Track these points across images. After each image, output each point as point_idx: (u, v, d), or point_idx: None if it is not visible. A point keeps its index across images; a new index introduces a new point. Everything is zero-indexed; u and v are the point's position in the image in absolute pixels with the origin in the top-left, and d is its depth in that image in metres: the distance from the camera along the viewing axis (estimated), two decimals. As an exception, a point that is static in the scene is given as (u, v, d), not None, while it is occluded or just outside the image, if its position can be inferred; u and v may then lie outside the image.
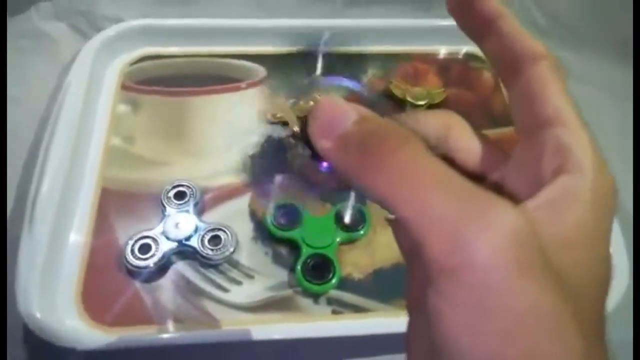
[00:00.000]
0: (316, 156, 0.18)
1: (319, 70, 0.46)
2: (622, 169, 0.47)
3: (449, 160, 0.19)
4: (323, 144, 0.17)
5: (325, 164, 0.18)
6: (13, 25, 0.54)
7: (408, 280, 0.19)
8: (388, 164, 0.16)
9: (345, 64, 0.56)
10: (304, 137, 0.18)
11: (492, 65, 0.20)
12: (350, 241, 0.43)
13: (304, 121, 0.18)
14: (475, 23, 0.20)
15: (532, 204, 0.16)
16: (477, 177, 0.20)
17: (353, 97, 0.19)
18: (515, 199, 0.17)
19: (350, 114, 0.17)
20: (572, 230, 0.16)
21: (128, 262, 0.40)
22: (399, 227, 0.21)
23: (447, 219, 0.14)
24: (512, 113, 0.19)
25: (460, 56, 0.58)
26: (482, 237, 0.14)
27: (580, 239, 0.16)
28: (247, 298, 0.40)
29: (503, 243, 0.14)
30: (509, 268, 0.14)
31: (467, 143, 0.20)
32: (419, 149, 0.16)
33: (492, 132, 0.52)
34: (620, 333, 0.33)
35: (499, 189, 0.19)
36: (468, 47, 0.58)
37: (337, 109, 0.17)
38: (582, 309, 0.15)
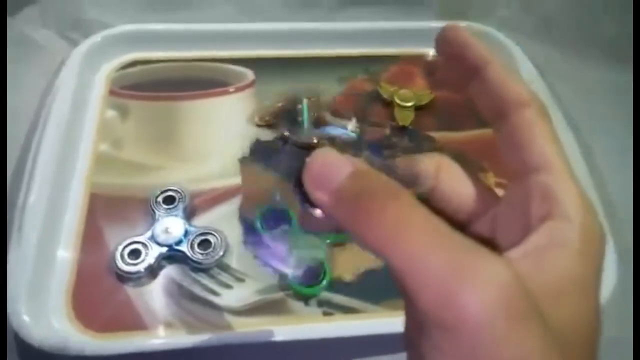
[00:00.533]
0: (309, 203, 0.18)
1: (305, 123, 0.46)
2: (622, 169, 0.47)
3: (438, 205, 0.20)
4: (318, 196, 0.18)
5: (318, 211, 0.18)
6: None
7: (406, 317, 0.19)
8: (379, 220, 0.16)
9: (332, 66, 0.56)
10: (297, 184, 0.18)
11: (479, 109, 0.20)
12: (340, 243, 0.43)
13: (299, 170, 0.18)
14: (463, 67, 0.20)
15: (520, 251, 0.17)
16: (464, 223, 0.20)
17: (343, 143, 0.20)
18: (500, 248, 0.18)
19: (344, 167, 0.18)
20: (560, 279, 0.16)
21: (118, 267, 0.40)
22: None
23: (437, 274, 0.15)
24: (501, 155, 0.20)
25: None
26: (472, 292, 0.14)
27: (568, 287, 0.16)
28: (238, 301, 0.40)
29: (492, 297, 0.14)
30: (498, 322, 0.14)
31: (457, 184, 0.21)
32: (409, 203, 0.16)
33: (478, 133, 0.52)
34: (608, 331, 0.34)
35: (484, 237, 0.19)
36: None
37: (331, 161, 0.18)
38: (570, 356, 0.15)
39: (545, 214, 0.17)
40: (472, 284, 0.14)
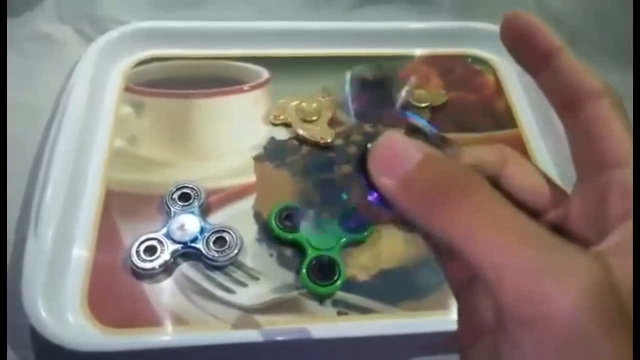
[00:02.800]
0: (368, 187, 0.17)
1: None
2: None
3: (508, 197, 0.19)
4: (384, 181, 0.17)
5: (374, 196, 0.17)
6: (17, 28, 0.54)
7: (460, 316, 0.19)
8: (460, 211, 0.15)
9: (346, 66, 0.56)
10: (359, 167, 0.18)
11: (549, 99, 0.19)
12: (355, 243, 0.43)
13: (362, 153, 0.17)
14: (531, 56, 0.19)
15: (604, 248, 0.16)
16: (534, 215, 0.19)
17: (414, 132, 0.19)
18: (582, 241, 0.17)
19: (413, 153, 0.17)
20: None
21: (133, 264, 0.40)
22: (450, 265, 0.21)
23: (523, 269, 0.14)
24: (570, 149, 0.19)
25: (462, 59, 0.58)
26: (563, 289, 0.14)
27: None
28: (253, 300, 0.40)
29: (584, 296, 0.14)
30: (589, 323, 0.14)
31: (523, 178, 0.20)
32: (491, 193, 0.16)
33: (493, 135, 0.52)
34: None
35: (559, 229, 0.18)
36: (470, 50, 0.58)
37: (400, 146, 0.17)
38: None
39: (626, 212, 0.16)
40: (565, 281, 0.14)
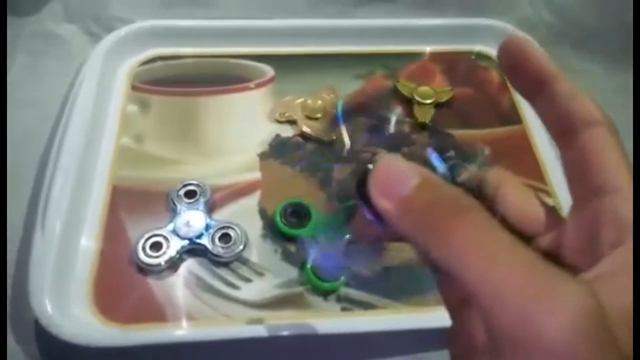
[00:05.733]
0: (367, 209, 0.18)
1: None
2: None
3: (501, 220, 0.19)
4: (383, 204, 0.17)
5: (371, 215, 0.18)
6: (25, 27, 0.54)
7: (454, 334, 0.19)
8: (455, 234, 0.16)
9: (351, 63, 0.56)
10: (358, 189, 0.18)
11: (545, 125, 0.19)
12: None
13: (362, 174, 0.18)
14: (528, 81, 0.19)
15: (594, 275, 0.16)
16: (528, 238, 0.19)
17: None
18: (574, 267, 0.17)
19: (412, 176, 0.17)
20: (630, 306, 0.15)
21: (139, 260, 0.40)
22: (445, 282, 0.21)
23: (515, 295, 0.14)
24: (565, 174, 0.19)
25: (467, 55, 0.58)
26: (553, 315, 0.14)
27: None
28: (257, 295, 0.40)
29: (573, 322, 0.14)
30: (579, 348, 0.14)
31: (519, 200, 0.20)
32: (485, 218, 0.16)
33: (498, 131, 0.52)
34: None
35: (553, 253, 0.19)
36: (475, 46, 0.58)
37: (398, 169, 0.18)
38: None
39: (617, 240, 0.17)
40: (553, 307, 0.14)
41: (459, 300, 0.20)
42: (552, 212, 0.20)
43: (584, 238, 0.18)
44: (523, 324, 0.14)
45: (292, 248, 0.43)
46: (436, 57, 0.58)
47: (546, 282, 0.15)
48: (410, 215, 0.17)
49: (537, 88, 0.19)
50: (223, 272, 0.41)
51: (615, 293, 0.15)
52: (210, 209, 0.44)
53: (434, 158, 0.20)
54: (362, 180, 0.18)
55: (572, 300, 0.14)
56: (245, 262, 0.42)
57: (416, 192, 0.17)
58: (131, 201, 0.44)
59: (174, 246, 0.41)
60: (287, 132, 0.50)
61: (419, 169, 0.18)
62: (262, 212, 0.45)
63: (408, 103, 0.53)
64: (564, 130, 0.19)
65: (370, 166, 0.18)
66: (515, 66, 0.19)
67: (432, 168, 0.20)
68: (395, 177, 0.17)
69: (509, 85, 0.57)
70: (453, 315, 0.20)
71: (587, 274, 0.16)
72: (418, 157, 0.19)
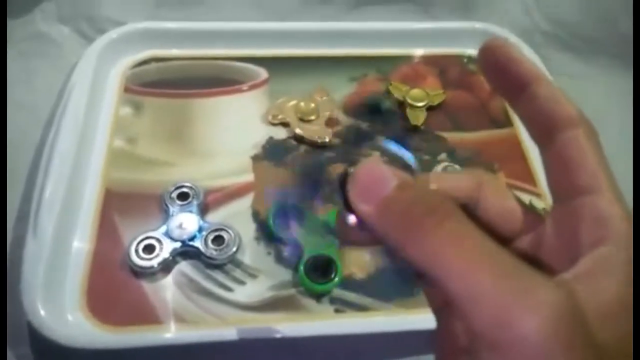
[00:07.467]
0: (348, 210, 0.18)
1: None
2: (622, 169, 0.47)
3: (479, 221, 0.19)
4: (363, 207, 0.17)
5: (353, 219, 0.18)
6: (16, 29, 0.54)
7: (438, 334, 0.20)
8: (433, 236, 0.16)
9: (344, 66, 0.57)
10: (340, 191, 0.18)
11: (525, 127, 0.20)
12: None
13: (342, 177, 0.18)
14: (509, 84, 0.19)
15: (572, 275, 0.16)
16: (507, 239, 0.20)
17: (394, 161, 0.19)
18: (554, 267, 0.17)
19: (391, 179, 0.17)
20: (612, 305, 0.16)
21: (132, 262, 0.40)
22: (429, 287, 0.21)
23: (492, 296, 0.15)
24: (546, 175, 0.19)
25: (459, 58, 0.59)
26: (528, 315, 0.14)
27: (620, 313, 0.16)
28: (251, 297, 0.40)
29: (547, 322, 0.14)
30: (553, 347, 0.14)
31: (498, 204, 0.20)
32: (461, 220, 0.16)
33: (490, 134, 0.53)
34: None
35: (532, 255, 0.19)
36: (467, 50, 0.58)
37: (378, 172, 0.18)
38: None
39: (596, 239, 0.17)
40: (529, 308, 0.14)
41: (441, 302, 0.20)
42: (532, 214, 0.20)
43: (564, 238, 0.18)
44: (499, 325, 0.15)
45: (285, 250, 0.43)
46: (429, 60, 0.58)
47: (522, 284, 0.15)
48: (388, 217, 0.17)
49: (517, 90, 0.19)
50: (216, 274, 0.41)
51: (594, 292, 0.16)
52: (203, 211, 0.44)
53: (396, 148, 0.20)
54: (342, 183, 0.18)
55: (547, 301, 0.15)
56: (238, 264, 0.42)
57: (395, 193, 0.17)
58: (124, 203, 0.44)
59: (166, 248, 0.41)
60: (281, 134, 0.50)
61: (397, 171, 0.18)
62: (255, 215, 0.45)
63: (400, 106, 0.53)
64: (544, 132, 0.19)
65: (351, 170, 0.18)
66: (496, 68, 0.19)
67: (403, 162, 0.20)
68: (374, 180, 0.18)
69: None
70: (437, 317, 0.20)
71: (566, 274, 0.16)
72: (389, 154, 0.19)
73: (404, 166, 0.19)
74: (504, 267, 0.15)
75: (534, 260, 0.16)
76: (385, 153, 0.20)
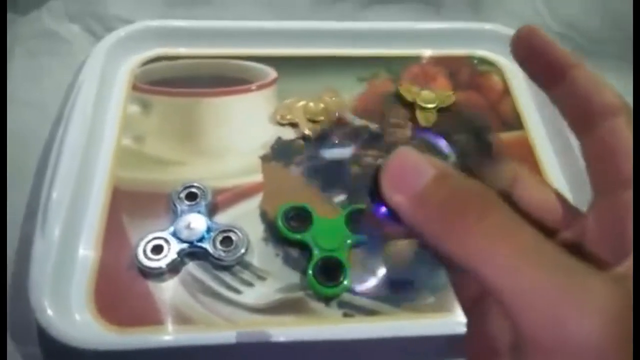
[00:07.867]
0: (376, 201, 0.17)
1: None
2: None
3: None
4: (397, 198, 0.16)
5: (383, 210, 0.17)
6: (24, 26, 0.54)
7: (471, 335, 0.19)
8: (476, 230, 0.15)
9: (354, 66, 0.56)
10: (371, 183, 0.17)
11: (562, 115, 0.19)
12: (361, 244, 0.43)
13: (375, 171, 0.17)
14: (546, 71, 0.19)
15: (623, 271, 0.15)
16: (548, 233, 0.18)
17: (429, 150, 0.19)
18: (599, 262, 0.16)
19: (428, 169, 0.16)
20: None
21: (140, 262, 0.40)
22: (460, 280, 0.20)
23: (543, 295, 0.14)
24: (586, 166, 0.18)
25: (469, 59, 0.58)
26: (583, 314, 0.13)
27: None
28: (259, 299, 0.40)
29: (603, 321, 0.13)
30: (608, 349, 0.13)
31: (535, 195, 0.19)
32: (509, 212, 0.15)
33: (501, 136, 0.52)
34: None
35: (575, 249, 0.17)
36: (477, 51, 0.58)
37: (413, 161, 0.16)
38: None
39: None
40: (583, 307, 0.13)
41: (475, 297, 0.19)
42: (570, 206, 0.19)
43: (609, 231, 0.17)
44: (551, 325, 0.14)
45: (294, 252, 0.42)
46: (439, 60, 0.58)
47: (574, 279, 0.14)
48: (425, 210, 0.16)
49: (556, 75, 0.18)
50: (224, 275, 0.41)
51: None
52: (211, 211, 0.44)
53: (443, 145, 0.20)
54: (375, 179, 0.17)
55: (600, 298, 0.14)
56: (246, 265, 0.41)
57: (432, 185, 0.16)
58: (132, 203, 0.44)
59: (174, 249, 0.40)
60: (289, 134, 0.50)
61: (435, 160, 0.16)
62: (264, 216, 0.44)
63: (410, 107, 0.53)
64: (584, 120, 0.18)
65: (382, 161, 0.17)
66: (532, 53, 0.19)
67: (443, 156, 0.19)
68: (409, 169, 0.16)
69: (510, 90, 0.57)
70: (469, 314, 0.20)
71: (616, 269, 0.15)
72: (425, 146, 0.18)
73: (440, 155, 0.18)
74: (554, 260, 0.14)
75: (578, 255, 0.15)
76: (418, 144, 0.19)
